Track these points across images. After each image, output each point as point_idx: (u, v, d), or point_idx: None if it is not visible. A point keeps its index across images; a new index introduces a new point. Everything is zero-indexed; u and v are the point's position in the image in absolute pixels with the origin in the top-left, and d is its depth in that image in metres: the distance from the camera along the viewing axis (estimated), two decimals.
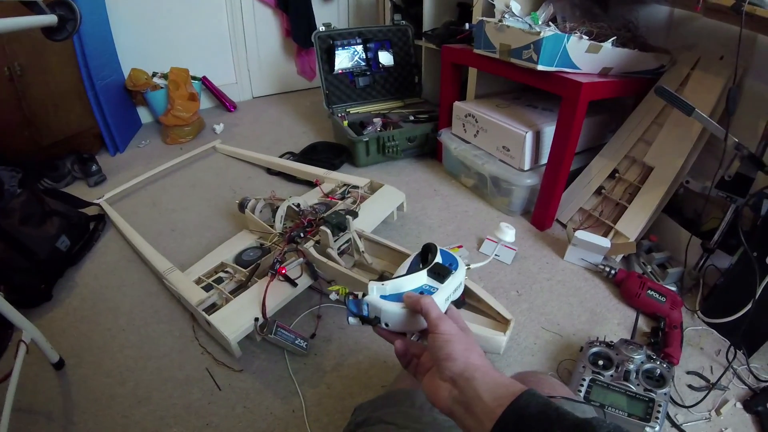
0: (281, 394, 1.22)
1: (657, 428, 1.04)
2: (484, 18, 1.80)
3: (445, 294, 0.65)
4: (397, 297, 0.64)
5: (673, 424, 1.11)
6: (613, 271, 1.56)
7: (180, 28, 3.16)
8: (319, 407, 1.19)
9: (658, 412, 1.06)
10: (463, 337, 0.57)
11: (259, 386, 1.24)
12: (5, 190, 1.87)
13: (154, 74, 2.98)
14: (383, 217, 1.77)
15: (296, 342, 1.28)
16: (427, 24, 2.85)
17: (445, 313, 0.60)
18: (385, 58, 2.85)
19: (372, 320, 0.64)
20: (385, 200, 1.83)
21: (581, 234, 1.62)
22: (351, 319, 0.65)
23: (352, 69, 2.78)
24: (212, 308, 1.36)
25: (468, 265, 0.72)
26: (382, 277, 1.43)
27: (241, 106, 3.55)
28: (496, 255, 1.70)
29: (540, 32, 1.52)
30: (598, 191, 1.82)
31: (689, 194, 1.62)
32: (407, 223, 1.92)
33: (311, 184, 2.10)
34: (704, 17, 1.60)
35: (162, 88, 2.91)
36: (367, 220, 1.67)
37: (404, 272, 0.69)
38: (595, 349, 1.22)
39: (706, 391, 1.19)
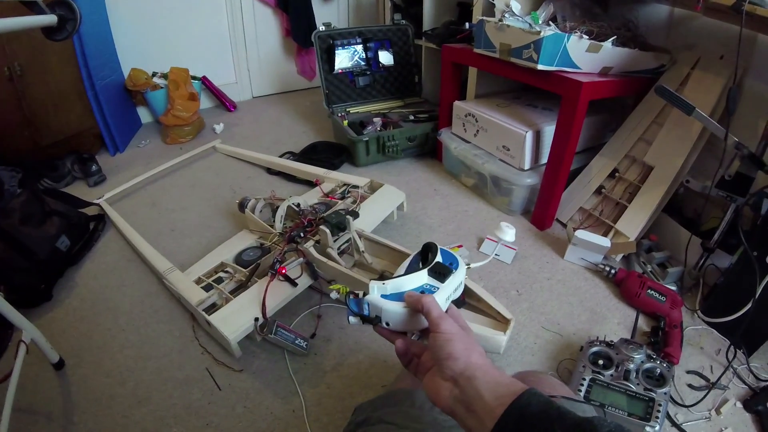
0: (281, 394, 1.22)
1: (657, 428, 1.04)
2: (485, 17, 1.80)
3: (445, 293, 0.65)
4: (398, 296, 0.64)
5: (673, 424, 1.11)
6: (613, 271, 1.56)
7: (180, 27, 3.16)
8: (319, 407, 1.18)
9: (658, 411, 1.06)
10: (464, 336, 0.57)
11: (259, 386, 1.24)
12: (5, 190, 1.87)
13: (154, 74, 2.98)
14: (383, 216, 1.77)
15: (296, 342, 1.28)
16: (427, 23, 2.85)
17: (446, 312, 0.60)
18: (385, 57, 2.85)
19: (373, 319, 0.65)
20: (385, 200, 1.83)
21: (581, 233, 1.62)
22: (352, 319, 0.65)
23: (352, 68, 2.78)
24: (212, 308, 1.36)
25: (468, 264, 0.72)
26: (383, 277, 1.42)
27: (241, 106, 3.55)
28: (496, 255, 1.70)
29: (540, 32, 1.52)
30: (598, 191, 1.82)
31: (689, 194, 1.62)
32: (407, 223, 1.92)
33: (311, 184, 2.10)
34: (704, 17, 1.60)
35: (162, 87, 2.91)
36: (367, 219, 1.67)
37: (404, 271, 0.69)
38: (595, 349, 1.22)
39: (706, 391, 1.19)
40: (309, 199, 1.81)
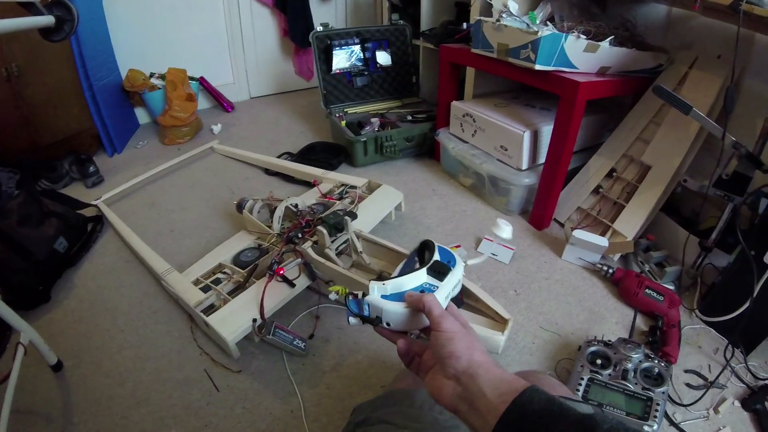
0: (280, 395, 1.22)
1: (655, 427, 1.04)
2: (482, 17, 1.80)
3: (445, 291, 0.65)
4: (397, 296, 0.64)
5: (672, 423, 1.11)
6: (611, 270, 1.56)
7: (177, 28, 3.15)
8: (318, 407, 1.18)
9: (657, 410, 1.06)
10: (465, 334, 0.57)
11: (257, 387, 1.24)
12: (3, 191, 1.87)
13: (152, 75, 2.97)
14: (381, 217, 1.78)
15: (294, 342, 1.28)
16: (425, 24, 2.85)
17: (446, 310, 0.61)
18: (383, 57, 2.85)
19: (373, 320, 0.65)
20: (383, 200, 1.84)
21: (579, 233, 1.62)
22: (352, 320, 0.65)
23: (349, 69, 2.78)
24: (210, 309, 1.36)
25: (465, 261, 0.73)
26: (381, 277, 1.43)
27: (238, 107, 3.54)
28: (493, 254, 1.70)
29: (538, 32, 1.52)
30: (596, 190, 1.83)
31: (687, 193, 1.62)
32: (405, 223, 1.92)
33: (309, 185, 2.10)
34: (702, 16, 1.61)
35: (159, 88, 2.90)
36: (365, 220, 1.67)
37: (402, 269, 0.70)
38: (593, 348, 1.22)
39: (705, 390, 1.19)
40: (307, 199, 1.81)
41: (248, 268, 1.48)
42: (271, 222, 1.65)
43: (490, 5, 1.93)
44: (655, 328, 1.36)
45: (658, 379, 1.14)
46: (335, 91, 2.79)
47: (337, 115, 2.66)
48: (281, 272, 1.37)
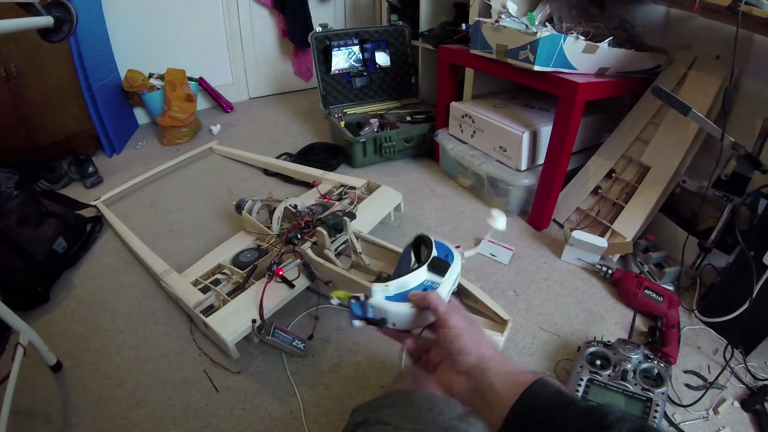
0: (279, 396, 1.22)
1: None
2: (481, 18, 1.80)
3: (447, 287, 0.66)
4: (401, 297, 0.64)
5: (671, 424, 1.11)
6: (610, 271, 1.56)
7: (176, 29, 3.15)
8: (318, 408, 1.18)
9: (656, 411, 1.06)
10: (472, 329, 0.59)
11: (257, 387, 1.24)
12: (2, 191, 1.87)
13: (151, 75, 2.98)
14: (380, 217, 1.77)
15: (294, 343, 1.28)
16: (424, 24, 2.85)
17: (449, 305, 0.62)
18: (382, 58, 2.85)
19: (378, 322, 0.65)
20: (382, 201, 1.83)
21: (578, 234, 1.62)
22: (356, 322, 0.65)
23: (349, 69, 2.78)
24: (209, 310, 1.36)
25: (462, 254, 0.73)
26: (380, 278, 1.43)
27: (237, 107, 3.54)
28: (492, 255, 1.70)
29: (536, 33, 1.52)
30: (595, 191, 1.83)
31: (686, 194, 1.62)
32: (405, 224, 1.92)
33: (308, 185, 2.10)
34: (701, 17, 1.61)
35: (158, 89, 2.90)
36: (365, 220, 1.67)
37: (399, 265, 0.70)
38: (592, 349, 1.22)
39: (704, 390, 1.19)
40: (306, 200, 1.81)
41: (247, 268, 1.48)
42: (270, 223, 1.65)
43: (489, 6, 1.94)
44: (655, 328, 1.37)
45: (658, 380, 1.14)
46: (334, 92, 2.79)
47: (336, 115, 2.66)
48: (280, 273, 1.37)
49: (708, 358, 1.32)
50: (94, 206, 2.06)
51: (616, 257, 1.64)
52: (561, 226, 1.88)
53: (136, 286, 1.63)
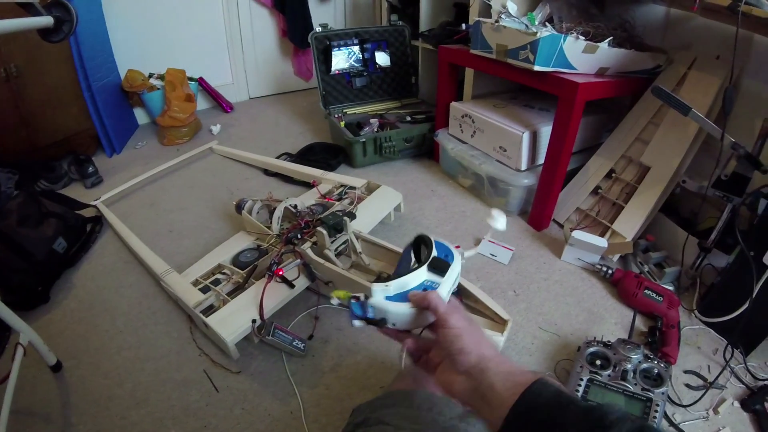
0: (279, 396, 1.22)
1: None
2: (481, 18, 1.80)
3: (447, 287, 0.66)
4: (401, 297, 0.64)
5: (671, 424, 1.11)
6: (610, 271, 1.56)
7: (176, 29, 3.15)
8: (318, 408, 1.18)
9: (656, 411, 1.06)
10: (472, 329, 0.59)
11: (257, 387, 1.24)
12: (2, 191, 1.86)
13: (151, 75, 2.98)
14: (381, 217, 1.77)
15: (294, 343, 1.28)
16: (424, 24, 2.85)
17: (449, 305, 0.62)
18: (382, 58, 2.85)
19: (378, 322, 0.65)
20: (382, 201, 1.83)
21: (578, 234, 1.62)
22: (356, 322, 0.65)
23: (349, 69, 2.78)
24: (210, 310, 1.36)
25: (462, 253, 0.74)
26: (380, 278, 1.43)
27: (237, 107, 3.54)
28: (492, 255, 1.70)
29: (537, 33, 1.52)
30: (595, 191, 1.83)
31: (686, 194, 1.62)
32: (405, 224, 1.92)
33: (308, 185, 2.10)
34: (701, 17, 1.61)
35: (158, 89, 2.91)
36: (365, 220, 1.67)
37: (399, 264, 0.70)
38: (592, 349, 1.22)
39: (704, 390, 1.19)
40: (306, 200, 1.81)
41: (247, 268, 1.48)
42: (270, 223, 1.65)
43: (489, 6, 1.94)
44: (655, 328, 1.37)
45: (658, 380, 1.14)
46: (334, 92, 2.79)
47: (336, 115, 2.66)
48: (280, 273, 1.37)
49: (708, 358, 1.32)
50: (94, 206, 2.06)
51: (616, 257, 1.64)
52: (561, 226, 1.88)
53: (136, 286, 1.63)
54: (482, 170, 1.99)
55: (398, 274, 0.70)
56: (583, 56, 1.61)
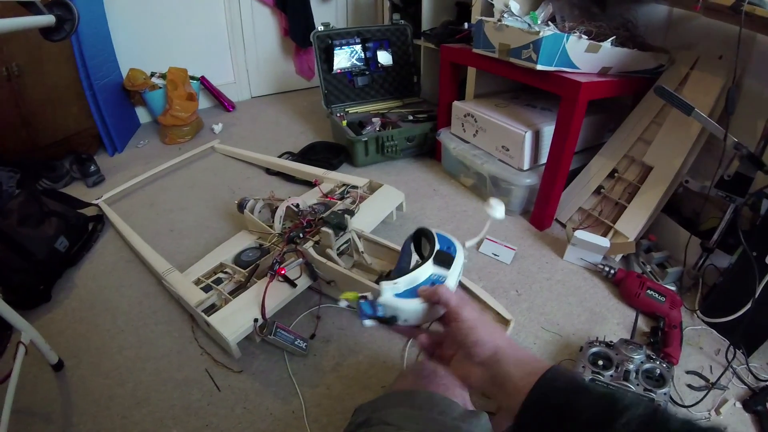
0: (281, 395, 1.22)
1: None
2: (483, 17, 1.80)
3: (453, 279, 0.67)
4: (410, 293, 0.65)
5: None
6: (612, 271, 1.56)
7: (178, 27, 3.15)
8: (319, 408, 1.18)
9: None
10: (485, 321, 0.60)
11: (258, 387, 1.24)
12: (3, 190, 1.87)
13: (153, 74, 2.97)
14: (383, 217, 1.77)
15: (296, 343, 1.28)
16: (426, 23, 2.85)
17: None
18: (384, 57, 2.85)
19: (389, 320, 0.65)
20: (384, 200, 1.83)
21: (580, 234, 1.62)
22: (367, 322, 0.65)
23: (350, 68, 2.78)
24: (211, 309, 1.36)
25: (463, 243, 0.74)
26: (381, 277, 1.43)
27: (239, 106, 3.54)
28: (495, 254, 1.70)
29: (539, 32, 1.52)
30: (598, 191, 1.82)
31: (688, 194, 1.62)
32: (406, 223, 1.92)
33: (310, 184, 2.10)
34: (703, 17, 1.60)
35: (160, 88, 2.90)
36: (367, 220, 1.67)
37: (401, 258, 0.71)
38: (594, 349, 1.22)
39: (706, 391, 1.19)
40: (308, 199, 1.81)
41: (249, 267, 1.48)
42: (272, 222, 1.65)
43: (492, 5, 1.93)
44: (657, 329, 1.36)
45: (660, 381, 1.14)
46: (336, 91, 2.79)
47: (338, 114, 2.66)
48: (282, 272, 1.37)
49: (710, 358, 1.31)
50: (96, 205, 2.06)
51: (618, 257, 1.64)
52: (563, 225, 1.87)
53: (137, 286, 1.63)
54: (484, 170, 1.99)
55: (399, 269, 0.70)
56: (585, 56, 1.61)
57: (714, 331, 1.39)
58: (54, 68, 2.31)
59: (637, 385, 1.12)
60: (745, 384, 1.23)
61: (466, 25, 2.27)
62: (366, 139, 2.35)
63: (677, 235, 1.64)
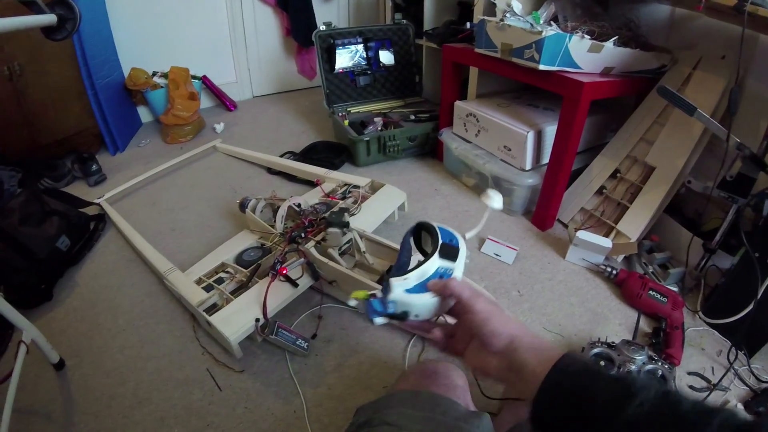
0: (282, 395, 1.22)
1: None
2: (486, 17, 1.80)
3: (459, 271, 0.67)
4: (420, 288, 0.65)
5: None
6: (614, 272, 1.55)
7: (180, 27, 3.15)
8: (320, 408, 1.18)
9: None
10: (498, 311, 0.61)
11: (259, 387, 1.24)
12: (5, 190, 1.87)
13: (154, 73, 2.97)
14: (384, 216, 1.77)
15: (297, 342, 1.28)
16: (428, 23, 2.85)
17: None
18: (386, 57, 2.85)
19: (400, 316, 0.65)
20: (386, 200, 1.83)
21: (582, 234, 1.61)
22: (378, 320, 0.65)
23: (352, 68, 2.78)
24: (213, 309, 1.36)
25: (464, 235, 0.74)
26: (382, 276, 1.42)
27: (241, 106, 3.54)
28: (496, 255, 1.70)
29: (542, 32, 1.51)
30: (600, 191, 1.82)
31: (691, 194, 1.62)
32: (408, 223, 1.90)
33: (312, 184, 2.10)
34: (706, 17, 1.60)
35: (162, 87, 2.91)
36: (369, 219, 1.67)
37: (401, 251, 0.72)
38: (596, 350, 1.21)
39: (708, 392, 1.19)
40: (310, 199, 1.81)
41: (251, 267, 1.48)
42: (274, 221, 1.65)
43: (494, 5, 1.93)
44: (659, 329, 1.36)
45: (662, 382, 1.14)
46: (338, 91, 2.79)
47: (340, 114, 2.66)
48: (284, 272, 1.37)
49: (712, 359, 1.31)
50: (98, 204, 2.07)
51: (620, 258, 1.64)
52: (565, 226, 1.87)
53: (139, 285, 1.63)
54: (486, 169, 1.98)
55: (400, 264, 0.71)
56: (588, 55, 1.60)
57: (716, 332, 1.39)
58: (56, 67, 2.31)
59: None
60: (746, 385, 1.23)
61: (468, 24, 2.27)
62: (368, 138, 2.35)
63: (679, 235, 1.64)
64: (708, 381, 1.23)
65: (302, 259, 1.43)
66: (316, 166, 2.22)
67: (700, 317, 1.44)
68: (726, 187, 1.38)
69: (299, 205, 1.68)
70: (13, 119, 2.21)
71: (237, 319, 1.26)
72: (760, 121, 1.49)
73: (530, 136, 1.81)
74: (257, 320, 1.24)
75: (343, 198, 1.84)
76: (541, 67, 1.57)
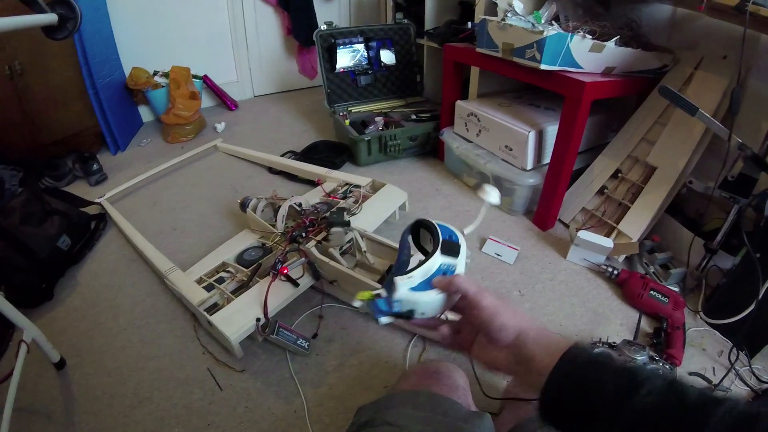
0: (283, 395, 1.22)
1: None
2: (487, 17, 1.79)
3: (462, 267, 0.68)
4: (425, 285, 0.65)
5: None
6: (615, 272, 1.55)
7: (181, 26, 3.15)
8: (321, 408, 1.18)
9: None
10: (504, 305, 0.61)
11: (260, 386, 1.24)
12: (6, 189, 1.87)
13: (155, 73, 2.97)
14: (385, 216, 1.77)
15: (298, 342, 1.28)
16: (429, 23, 2.84)
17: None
18: (387, 56, 2.85)
19: (406, 314, 0.66)
20: (387, 200, 1.83)
21: (584, 234, 1.61)
22: (383, 319, 0.65)
23: (353, 68, 2.78)
24: (213, 308, 1.36)
25: (463, 231, 0.74)
26: (383, 275, 1.42)
27: (242, 105, 3.54)
28: (497, 254, 1.70)
29: (543, 31, 1.51)
30: (601, 191, 1.82)
31: (692, 194, 1.62)
32: (409, 223, 1.91)
33: (313, 184, 2.10)
34: (707, 17, 1.60)
35: (163, 86, 2.90)
36: (370, 219, 1.67)
37: (401, 249, 0.73)
38: (597, 350, 1.21)
39: None
40: (311, 198, 1.80)
41: (252, 267, 1.48)
42: (275, 221, 1.65)
43: (495, 4, 1.93)
44: (660, 330, 1.36)
45: (667, 372, 1.13)
46: (339, 90, 2.79)
47: (341, 113, 2.66)
48: (285, 271, 1.37)
49: (713, 360, 1.31)
50: (99, 204, 2.06)
51: (621, 258, 1.64)
52: (566, 226, 1.87)
53: (139, 284, 1.63)
54: (487, 169, 1.98)
55: (400, 263, 0.71)
56: (589, 55, 1.60)
57: (717, 332, 1.39)
58: (57, 67, 2.31)
59: None
60: (747, 386, 1.23)
61: (469, 24, 2.27)
62: (369, 138, 2.35)
63: (681, 235, 1.64)
64: (709, 381, 1.23)
65: (303, 259, 1.43)
66: (317, 166, 2.22)
67: (701, 317, 1.44)
68: (727, 188, 1.38)
69: (300, 205, 1.68)
70: (14, 118, 2.21)
71: (238, 319, 1.26)
72: (761, 122, 1.49)
73: (531, 136, 1.80)
74: (258, 320, 1.24)
75: (344, 197, 1.84)
76: (543, 66, 1.57)
